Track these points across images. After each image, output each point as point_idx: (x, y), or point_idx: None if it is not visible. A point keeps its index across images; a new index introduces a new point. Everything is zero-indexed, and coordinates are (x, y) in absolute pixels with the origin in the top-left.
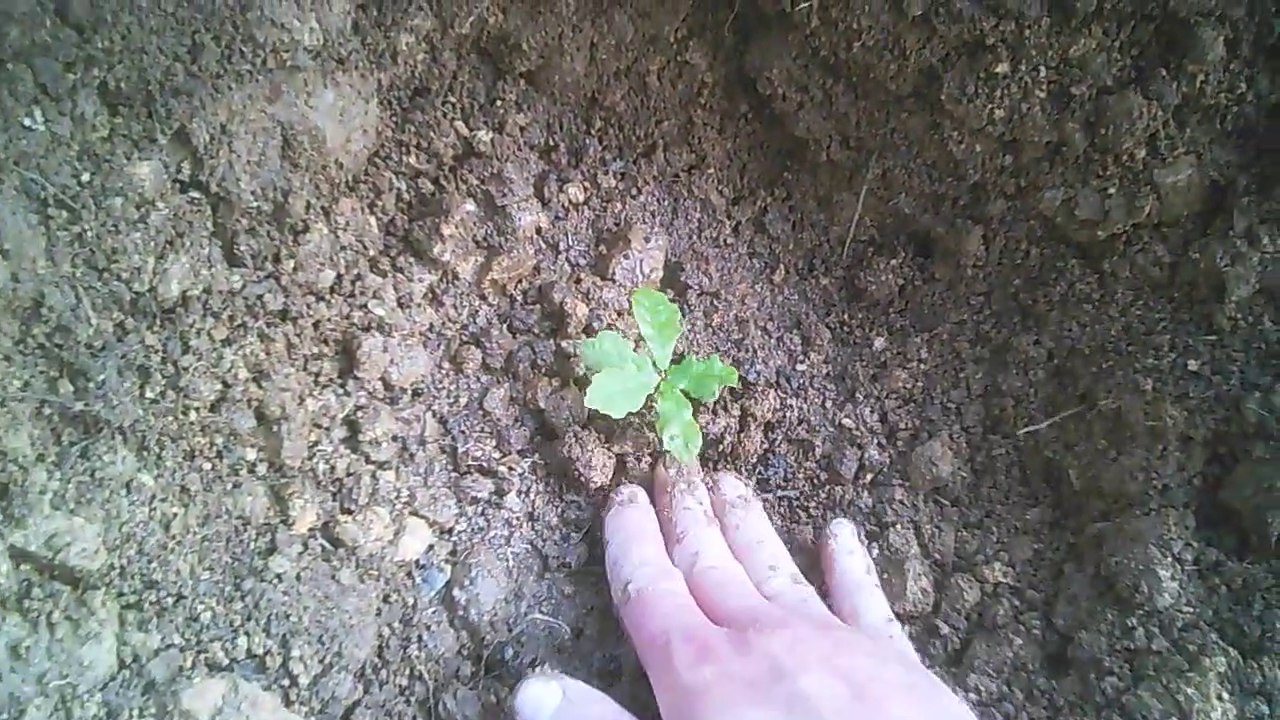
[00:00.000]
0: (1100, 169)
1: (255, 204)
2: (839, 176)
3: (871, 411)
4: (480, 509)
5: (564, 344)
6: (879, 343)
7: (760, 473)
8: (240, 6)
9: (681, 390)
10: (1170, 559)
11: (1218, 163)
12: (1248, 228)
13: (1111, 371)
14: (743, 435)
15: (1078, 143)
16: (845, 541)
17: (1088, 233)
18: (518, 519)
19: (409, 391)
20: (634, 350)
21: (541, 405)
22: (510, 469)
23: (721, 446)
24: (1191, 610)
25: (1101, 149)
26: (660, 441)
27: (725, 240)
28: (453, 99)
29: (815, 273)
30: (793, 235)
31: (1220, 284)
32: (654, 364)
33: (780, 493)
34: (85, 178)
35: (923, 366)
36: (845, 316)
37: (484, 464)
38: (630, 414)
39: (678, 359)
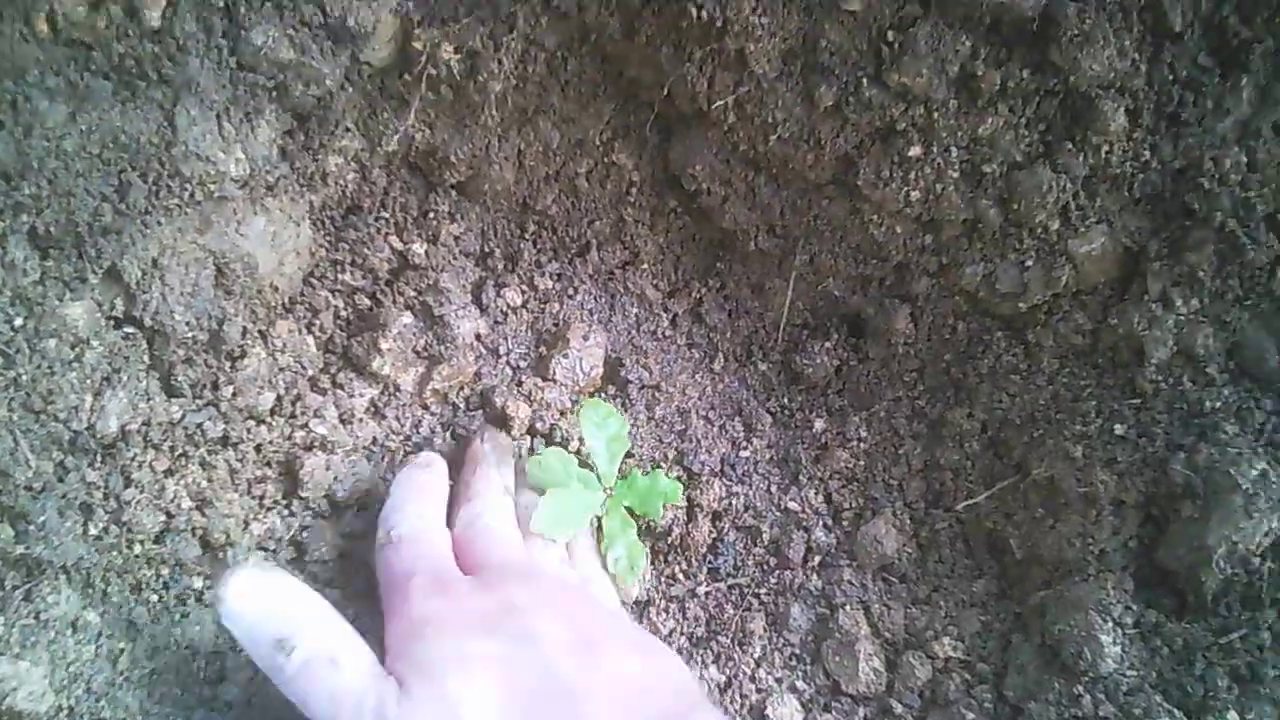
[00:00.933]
0: (1017, 242)
1: (190, 334)
2: (769, 264)
3: (816, 493)
4: None
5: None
6: (819, 424)
7: (710, 561)
8: (165, 143)
9: (627, 508)
10: (1111, 624)
11: (1129, 230)
12: (1161, 291)
13: (1042, 440)
14: (690, 526)
15: (993, 219)
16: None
17: (1010, 305)
18: None
19: (355, 507)
20: (579, 464)
21: None
22: None
23: (670, 539)
24: (1135, 674)
25: (1016, 223)
26: (604, 561)
27: (663, 333)
28: (385, 214)
29: (753, 359)
30: (729, 324)
31: (1140, 348)
32: (599, 479)
33: (731, 581)
34: (18, 322)
35: (863, 445)
36: (785, 400)
37: None
38: None
39: (624, 473)
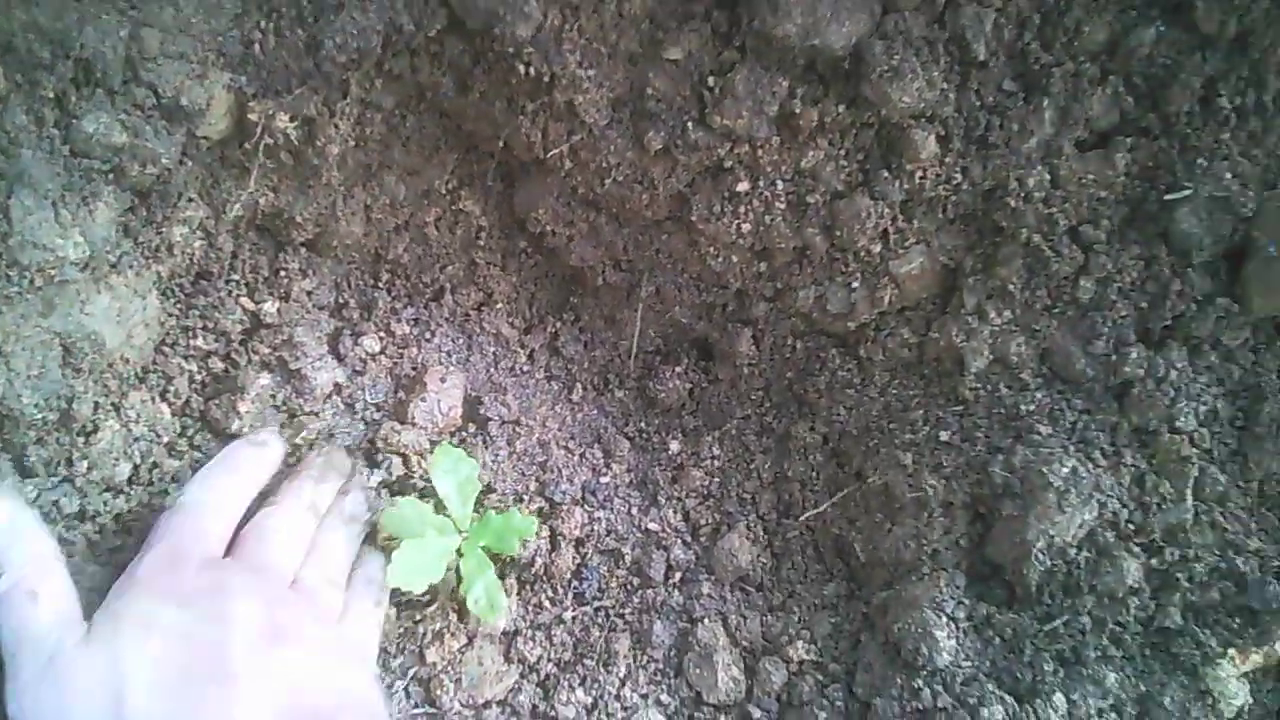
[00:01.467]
0: (843, 266)
1: (39, 415)
2: (618, 296)
3: (674, 513)
4: None
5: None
6: (675, 445)
7: (575, 587)
8: (2, 235)
9: (483, 547)
10: (945, 619)
11: (945, 248)
12: (977, 304)
13: (877, 449)
14: (554, 554)
15: (819, 245)
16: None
17: (841, 324)
18: None
19: None
20: (434, 511)
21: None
22: None
23: (534, 569)
24: (970, 664)
25: (841, 248)
26: (464, 603)
27: (521, 368)
28: (235, 277)
29: (610, 387)
30: (585, 355)
31: (960, 358)
32: (454, 524)
33: (596, 604)
34: None
35: (716, 463)
36: (642, 425)
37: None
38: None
39: (478, 513)
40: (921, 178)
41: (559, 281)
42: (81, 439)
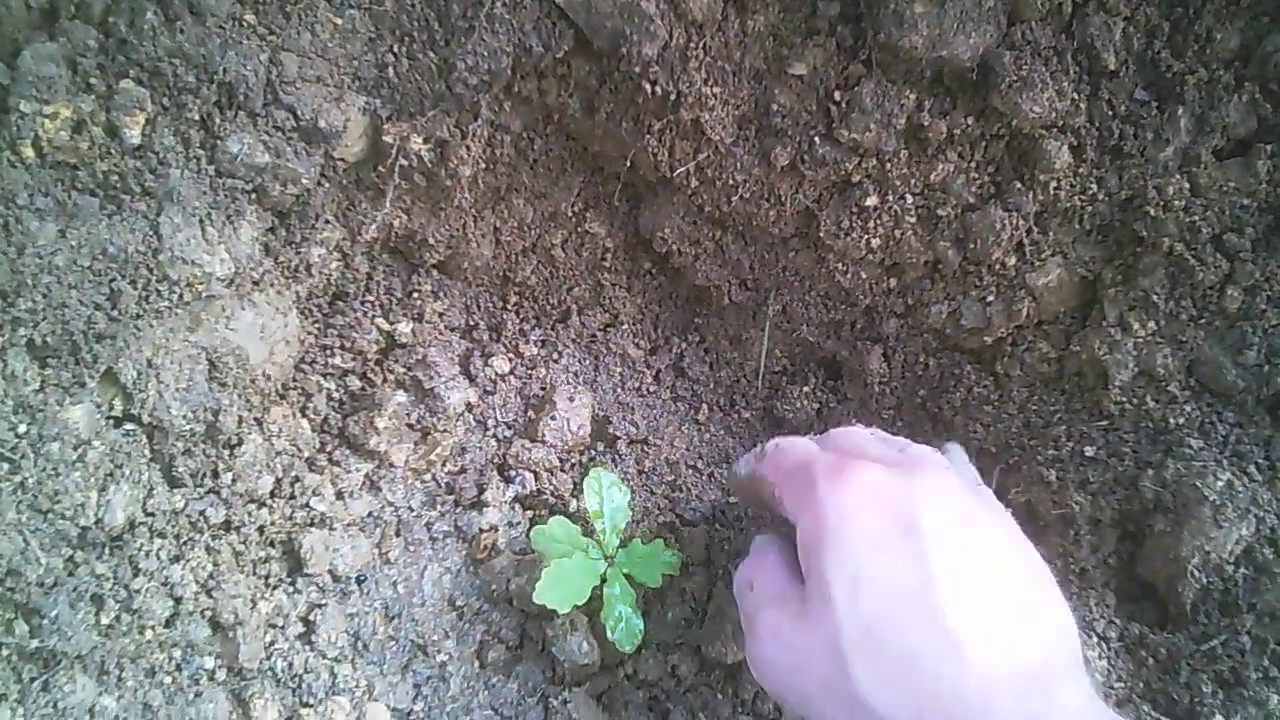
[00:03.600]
0: (977, 280)
1: (188, 427)
2: (744, 315)
3: None
4: (434, 687)
5: (495, 515)
6: None
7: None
8: (152, 251)
9: (626, 575)
10: (1096, 639)
11: (1083, 260)
12: (1119, 317)
13: (1018, 466)
14: (684, 578)
15: (952, 259)
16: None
17: (976, 339)
18: (471, 689)
19: (354, 580)
20: (581, 532)
21: (481, 579)
22: (454, 646)
23: (666, 591)
24: (1123, 685)
25: (974, 261)
26: (605, 629)
27: (648, 389)
28: (370, 298)
29: (737, 407)
30: (711, 375)
31: (1103, 372)
32: (601, 547)
33: None
34: (21, 429)
35: None
36: None
37: (430, 643)
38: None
39: (625, 541)
40: (1056, 189)
41: (684, 302)
42: (226, 451)
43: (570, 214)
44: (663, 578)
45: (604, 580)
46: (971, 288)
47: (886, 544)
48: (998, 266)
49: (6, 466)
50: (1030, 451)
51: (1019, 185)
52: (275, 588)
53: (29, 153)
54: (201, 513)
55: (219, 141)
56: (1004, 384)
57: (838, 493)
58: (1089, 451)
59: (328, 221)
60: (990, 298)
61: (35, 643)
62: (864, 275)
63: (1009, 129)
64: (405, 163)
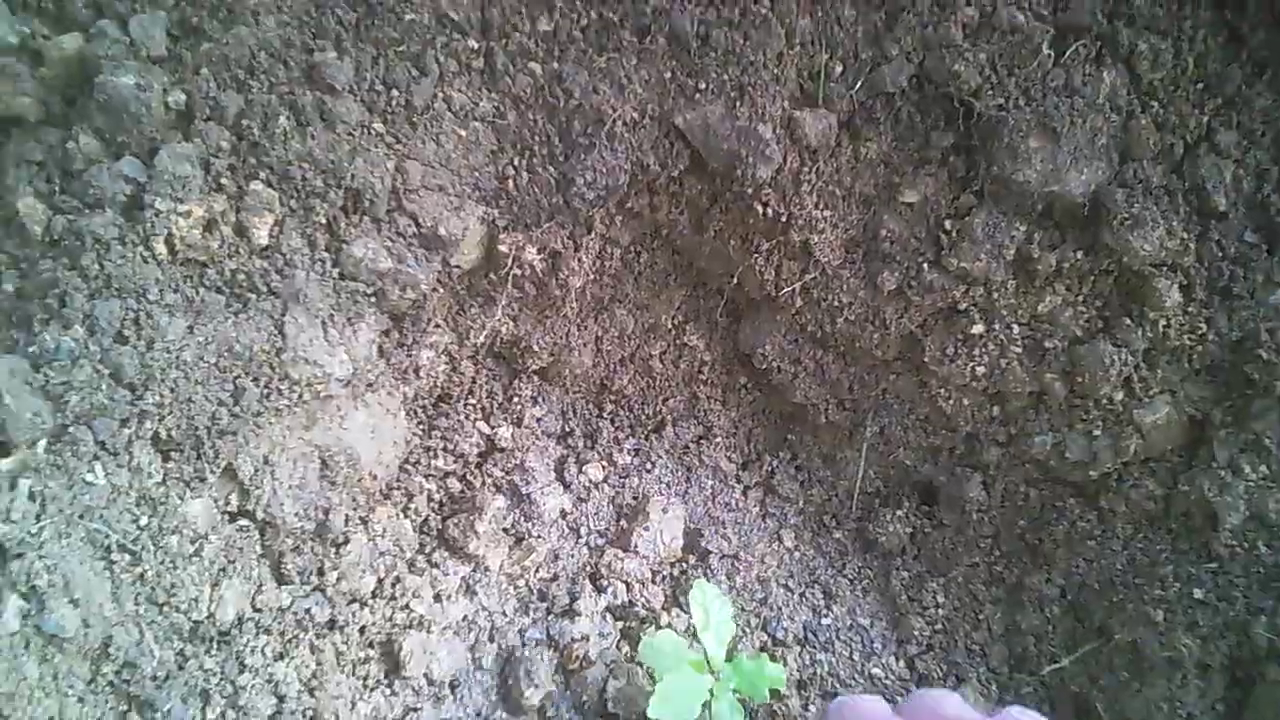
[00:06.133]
0: (1083, 413)
1: (299, 524)
2: (839, 435)
3: (897, 660)
4: None
5: (587, 625)
6: (897, 590)
7: None
8: (276, 350)
9: (734, 691)
10: None
11: (1192, 399)
12: (1230, 459)
13: (1123, 605)
14: (780, 699)
15: (1058, 391)
16: None
17: (1081, 473)
18: None
19: (448, 685)
20: (688, 646)
21: (573, 689)
22: None
23: (759, 713)
24: None
25: (1081, 395)
26: None
27: (738, 503)
28: (473, 401)
29: (827, 527)
30: (802, 493)
31: (1212, 513)
32: (708, 662)
33: None
34: (143, 521)
35: (941, 611)
36: (861, 567)
37: None
38: None
39: (729, 655)
40: (1165, 326)
41: (778, 418)
42: (333, 550)
43: (670, 326)
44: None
45: (711, 695)
46: (1078, 421)
47: None
48: (1105, 401)
49: (128, 558)
50: (1136, 590)
51: (1128, 321)
52: (373, 689)
53: (161, 249)
54: (307, 610)
55: (344, 245)
56: (1108, 520)
57: None
58: (1198, 594)
59: (438, 326)
60: (1097, 432)
61: None
62: (966, 402)
63: (1118, 265)
64: (519, 272)
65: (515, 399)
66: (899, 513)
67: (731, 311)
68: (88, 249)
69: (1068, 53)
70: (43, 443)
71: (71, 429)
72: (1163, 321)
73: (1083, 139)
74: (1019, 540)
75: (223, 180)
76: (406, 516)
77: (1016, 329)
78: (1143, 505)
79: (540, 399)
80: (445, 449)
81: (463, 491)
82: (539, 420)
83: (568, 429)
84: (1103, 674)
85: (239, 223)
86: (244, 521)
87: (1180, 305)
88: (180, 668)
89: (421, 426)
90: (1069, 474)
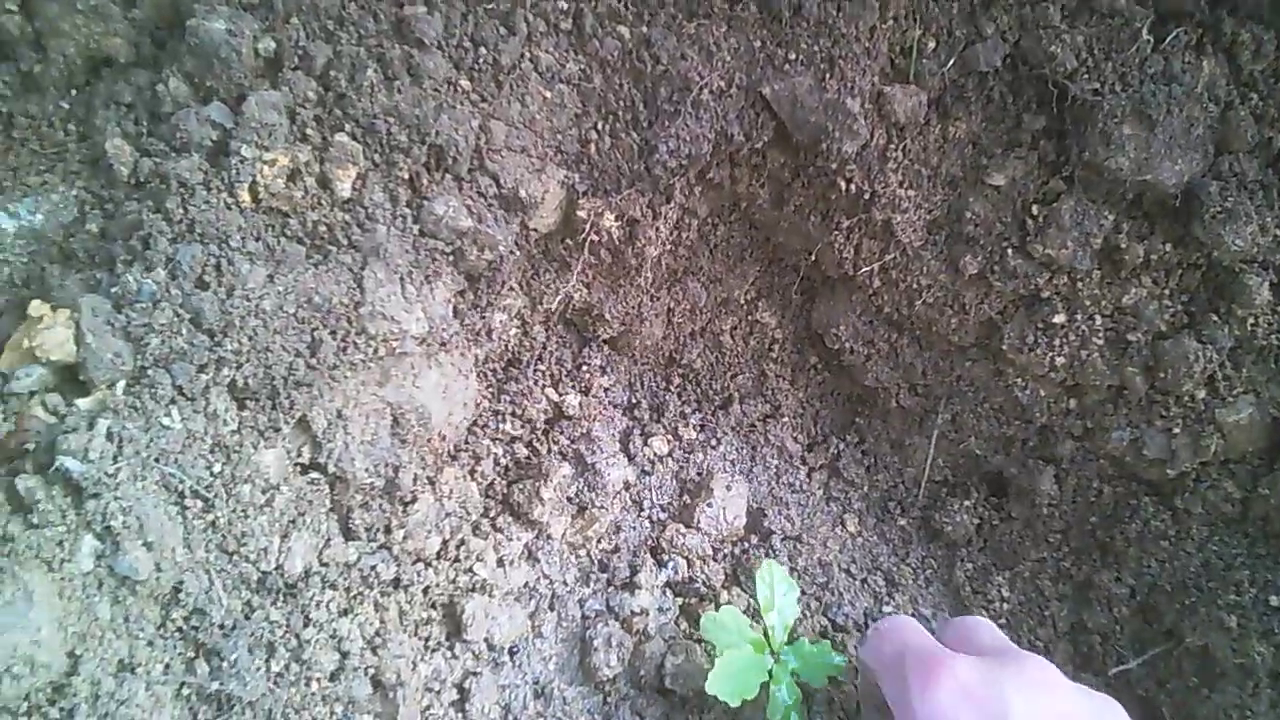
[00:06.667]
0: (1163, 410)
1: (369, 480)
2: (909, 421)
3: None
4: None
5: (646, 599)
6: (961, 581)
7: None
8: (354, 303)
9: (793, 673)
10: None
11: (1277, 400)
12: None
13: (1195, 608)
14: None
15: (1139, 386)
16: None
17: (1157, 471)
18: None
19: (508, 650)
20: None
21: (631, 663)
22: None
23: (816, 698)
24: None
25: (1162, 391)
26: None
27: (803, 485)
28: (542, 367)
29: (892, 514)
30: (867, 478)
31: None
32: (770, 642)
33: None
34: (217, 468)
35: (1006, 605)
36: (925, 557)
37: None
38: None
39: (791, 637)
40: (1253, 325)
41: (846, 400)
42: (400, 508)
43: (743, 301)
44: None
45: (770, 676)
46: (1157, 418)
47: None
48: (1186, 399)
49: (200, 504)
50: (1209, 594)
51: (1214, 318)
52: (434, 651)
53: (245, 197)
54: (373, 568)
55: (425, 202)
56: (1183, 520)
57: (928, 698)
58: (1274, 600)
59: (512, 289)
60: (1176, 430)
61: (215, 685)
62: (1043, 393)
63: (1207, 259)
64: (596, 238)
65: (584, 367)
66: (967, 503)
67: (806, 289)
68: (173, 192)
69: (1167, 39)
70: (121, 384)
71: (150, 372)
72: (1250, 320)
73: (1178, 128)
74: (1089, 537)
75: (308, 130)
76: (473, 479)
77: (1099, 320)
78: (1220, 507)
79: (609, 368)
80: (513, 414)
81: (529, 457)
82: (606, 390)
83: (634, 400)
84: (1171, 678)
85: (322, 174)
86: (315, 474)
87: (1270, 304)
88: (247, 618)
89: (491, 389)
90: (1145, 472)
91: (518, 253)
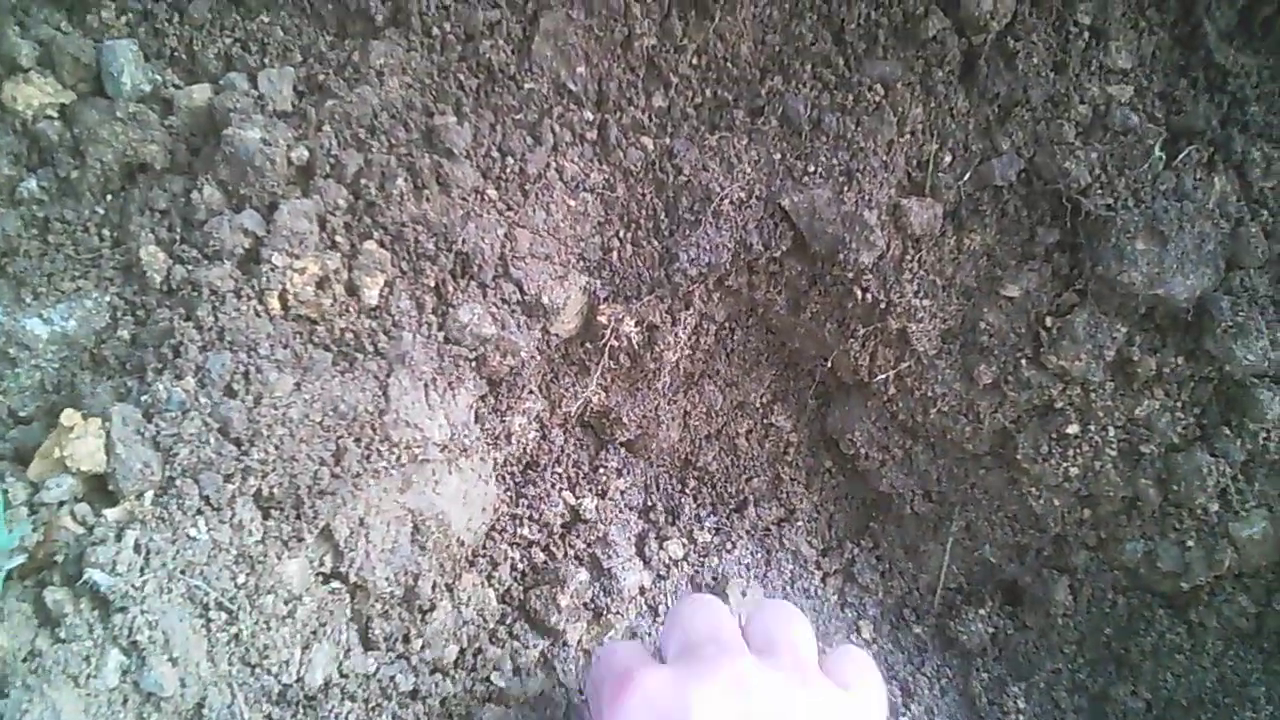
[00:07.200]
0: (1177, 522)
1: (389, 589)
2: (924, 527)
3: None
4: None
5: None
6: (977, 692)
7: None
8: (379, 411)
9: None
10: None
11: None
12: None
13: None
14: None
15: (1152, 498)
16: None
17: (1171, 584)
18: None
19: None
20: None
21: None
22: None
23: None
24: None
25: (1176, 503)
26: None
27: (817, 591)
28: (559, 470)
29: (907, 622)
30: (882, 584)
31: None
32: None
33: None
34: (241, 579)
35: (1022, 717)
36: (940, 665)
37: None
38: None
39: None
40: (1265, 439)
41: (860, 505)
42: (419, 616)
43: (759, 405)
44: None
45: None
46: (1171, 530)
47: None
48: (1200, 511)
49: (225, 617)
50: (1225, 710)
51: (1227, 431)
52: None
53: (275, 304)
54: (391, 679)
55: (450, 309)
56: (1198, 634)
57: (615, 711)
58: None
59: (531, 392)
60: (1190, 543)
61: None
62: (1057, 502)
63: (1220, 373)
64: (616, 343)
65: (601, 470)
66: (981, 611)
67: (821, 394)
68: (204, 300)
69: (1179, 156)
70: (150, 494)
71: (178, 482)
72: (1262, 434)
73: (1190, 244)
74: (1105, 649)
75: (338, 238)
76: (490, 585)
77: (1113, 431)
78: (1235, 621)
79: (625, 471)
80: (531, 518)
81: (545, 562)
82: (623, 493)
83: (650, 503)
84: None
85: (351, 281)
86: (336, 584)
87: None
88: None
89: (509, 493)
90: (1159, 584)
91: (538, 357)
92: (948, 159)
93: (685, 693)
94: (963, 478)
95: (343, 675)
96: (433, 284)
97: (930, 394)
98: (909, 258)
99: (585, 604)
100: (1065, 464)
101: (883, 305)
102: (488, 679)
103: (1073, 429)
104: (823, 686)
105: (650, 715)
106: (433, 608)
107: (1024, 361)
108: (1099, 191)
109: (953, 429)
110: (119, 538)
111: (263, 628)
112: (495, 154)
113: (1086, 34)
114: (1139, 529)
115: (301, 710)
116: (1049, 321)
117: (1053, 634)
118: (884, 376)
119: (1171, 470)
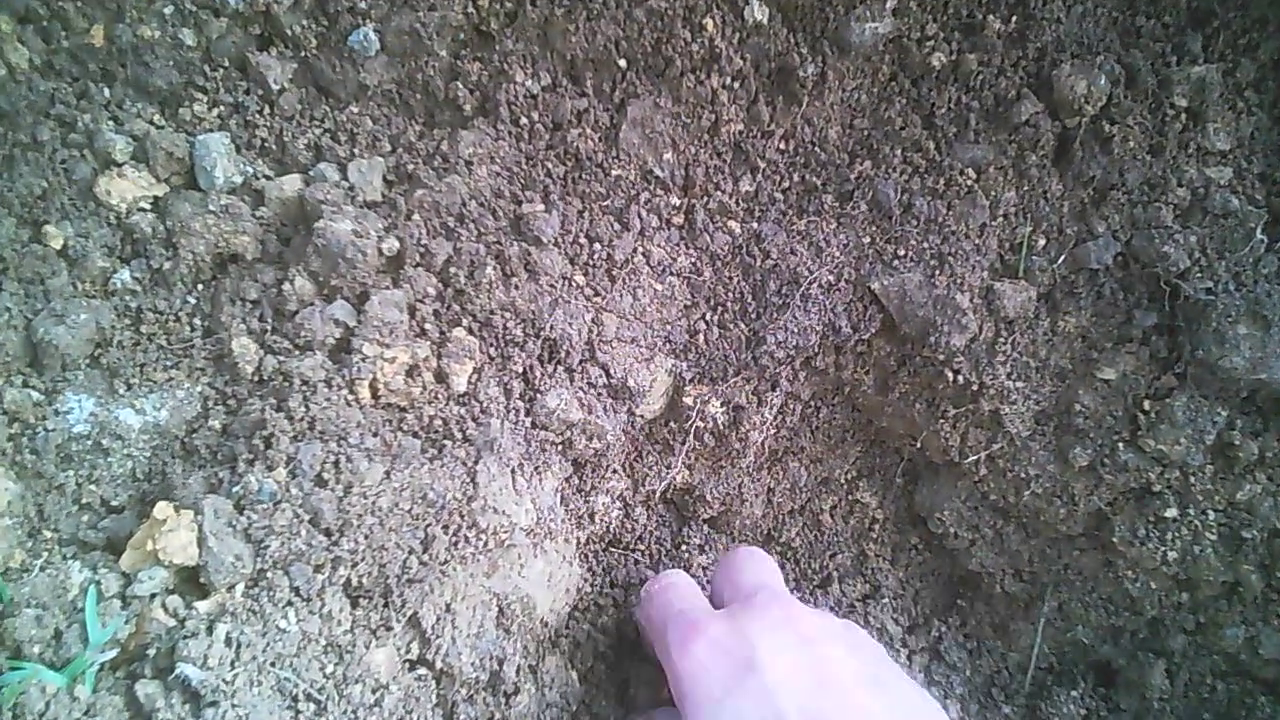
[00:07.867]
0: (1279, 609)
1: (474, 674)
2: (1014, 606)
3: None
4: None
5: None
6: None
7: None
8: (467, 498)
9: None
10: None
11: None
12: None
13: None
14: None
15: (1254, 584)
16: None
17: (1274, 670)
18: None
19: None
20: None
21: None
22: None
23: None
24: None
25: (1278, 589)
26: None
27: (903, 668)
28: (642, 547)
29: (995, 701)
30: (970, 662)
31: None
32: None
33: None
34: (330, 670)
35: None
36: None
37: None
38: None
39: None
40: None
41: (947, 582)
42: (503, 700)
43: (843, 481)
44: None
45: None
46: (1274, 616)
47: (735, 689)
48: None
49: (313, 708)
50: None
51: None
52: None
53: (365, 393)
54: None
55: (538, 395)
56: None
57: (683, 660)
58: None
59: (615, 472)
60: None
61: None
62: (1154, 586)
63: None
64: (701, 424)
65: (683, 546)
66: (1074, 693)
67: (909, 472)
68: (295, 390)
69: None
70: (240, 586)
71: (269, 574)
72: None
73: None
74: None
75: (427, 326)
76: (573, 667)
77: (1213, 515)
78: None
79: (707, 547)
80: (614, 598)
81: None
82: (705, 570)
83: None
84: None
85: (440, 369)
86: (422, 670)
87: None
88: None
89: (591, 573)
90: (1261, 670)
91: (623, 438)
92: (1042, 242)
93: (748, 636)
94: (1056, 558)
95: None
96: (520, 370)
97: (1024, 475)
98: (1002, 340)
99: None
100: (1163, 548)
101: (975, 387)
102: None
103: (1171, 512)
104: (847, 622)
105: (719, 657)
106: (517, 690)
107: (1121, 445)
108: (1198, 275)
109: (1046, 510)
110: (210, 630)
111: (350, 718)
112: (583, 240)
113: (1184, 116)
114: (1240, 614)
115: None
116: (1147, 405)
117: (1148, 718)
118: (975, 457)
119: (1275, 556)
